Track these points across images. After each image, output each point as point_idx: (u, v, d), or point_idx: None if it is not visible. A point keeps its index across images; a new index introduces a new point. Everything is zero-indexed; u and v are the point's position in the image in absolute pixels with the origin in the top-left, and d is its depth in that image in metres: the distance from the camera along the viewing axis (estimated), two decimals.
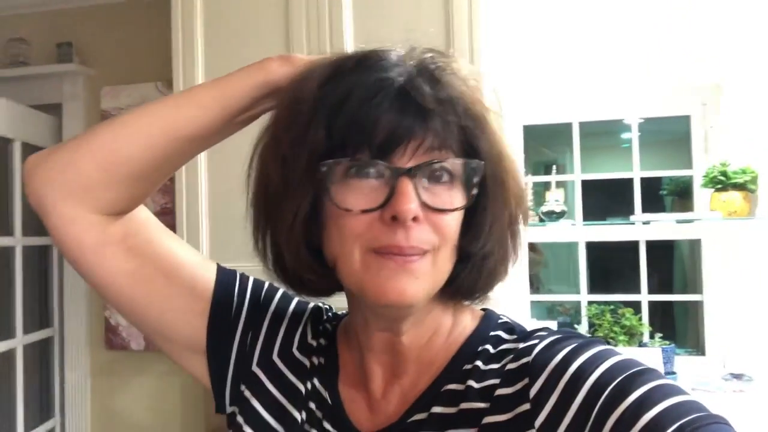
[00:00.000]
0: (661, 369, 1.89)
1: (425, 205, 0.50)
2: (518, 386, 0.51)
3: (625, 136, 2.44)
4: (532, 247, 2.47)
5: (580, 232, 2.25)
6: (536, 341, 0.53)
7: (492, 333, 0.58)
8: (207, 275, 0.64)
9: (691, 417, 0.41)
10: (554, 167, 2.33)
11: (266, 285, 0.68)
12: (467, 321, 0.60)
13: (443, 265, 0.53)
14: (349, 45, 1.59)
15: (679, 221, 2.09)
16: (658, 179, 2.53)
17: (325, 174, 0.51)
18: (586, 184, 2.31)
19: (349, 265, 0.52)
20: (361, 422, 0.58)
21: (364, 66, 0.53)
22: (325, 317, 0.68)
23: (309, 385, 0.61)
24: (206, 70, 1.75)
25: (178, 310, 0.62)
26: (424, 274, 0.51)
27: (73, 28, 2.25)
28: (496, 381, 0.53)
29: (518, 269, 2.07)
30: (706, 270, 2.15)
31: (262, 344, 0.64)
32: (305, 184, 0.52)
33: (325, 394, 0.60)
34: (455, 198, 0.52)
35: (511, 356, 0.53)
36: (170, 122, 0.59)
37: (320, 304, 0.70)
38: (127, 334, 2.17)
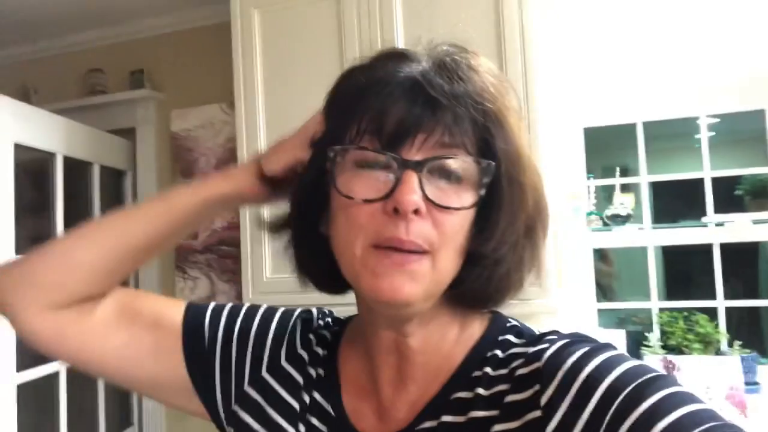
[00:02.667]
0: (742, 379, 1.78)
1: (429, 201, 0.49)
2: (529, 392, 0.49)
3: (698, 136, 2.33)
4: (603, 257, 2.39)
5: (648, 236, 2.16)
6: (546, 345, 0.51)
7: (501, 337, 0.56)
8: (176, 315, 0.65)
9: (706, 426, 0.39)
10: (617, 170, 2.25)
11: (245, 306, 0.69)
12: (475, 326, 0.58)
13: (444, 266, 0.51)
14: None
15: (755, 222, 1.97)
16: (735, 179, 2.40)
17: (332, 160, 0.51)
18: (657, 187, 2.22)
19: (349, 257, 0.51)
20: (366, 429, 0.56)
21: (383, 62, 0.53)
22: (316, 324, 0.67)
23: (308, 399, 0.60)
24: (265, 90, 1.82)
25: (155, 355, 0.64)
26: (422, 275, 0.49)
27: (145, 56, 2.40)
28: (506, 387, 0.51)
29: (583, 276, 2.01)
30: None
31: (251, 363, 0.64)
32: (314, 170, 0.54)
33: (328, 407, 0.59)
34: (462, 197, 0.50)
35: (521, 360, 0.52)
36: (122, 234, 0.64)
37: (312, 309, 0.69)
38: None
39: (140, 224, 0.64)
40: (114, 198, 2.40)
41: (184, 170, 2.30)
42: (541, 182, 0.56)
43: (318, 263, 0.57)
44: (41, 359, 1.95)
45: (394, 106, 0.49)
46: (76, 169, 2.16)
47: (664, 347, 2.01)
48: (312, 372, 0.62)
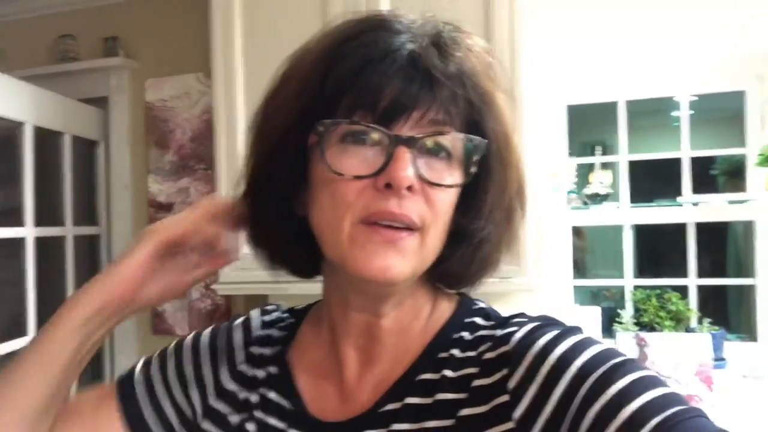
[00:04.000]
0: (711, 355, 1.83)
1: (421, 178, 0.48)
2: (497, 377, 0.49)
3: (675, 114, 2.35)
4: (577, 232, 2.42)
5: (625, 215, 2.19)
6: (514, 328, 0.51)
7: (468, 320, 0.56)
8: (110, 399, 0.64)
9: (673, 410, 0.40)
10: (598, 148, 2.27)
11: (171, 345, 0.67)
12: (444, 307, 0.58)
13: (432, 244, 0.51)
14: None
15: (730, 202, 2.00)
16: (711, 159, 2.44)
17: (321, 134, 0.49)
18: (635, 166, 2.24)
19: (335, 235, 0.49)
20: (330, 415, 0.55)
21: (373, 28, 0.51)
22: (260, 325, 0.65)
23: (257, 399, 0.58)
24: (245, 59, 1.77)
25: None
26: (411, 253, 0.49)
27: (119, 22, 2.31)
28: (474, 370, 0.51)
29: (561, 253, 2.03)
30: (759, 253, 2.06)
31: (199, 396, 0.62)
32: (292, 143, 0.51)
33: (284, 402, 0.57)
34: (453, 174, 0.50)
35: (489, 344, 0.51)
36: (14, 402, 0.55)
37: (251, 313, 0.67)
38: (173, 320, 2.23)
39: (22, 390, 0.55)
40: (86, 169, 2.33)
41: (159, 141, 2.25)
42: (524, 164, 0.56)
43: (299, 246, 0.55)
44: (10, 334, 1.91)
45: (390, 82, 0.48)
46: (46, 139, 2.09)
47: (636, 324, 2.05)
48: (262, 373, 0.60)
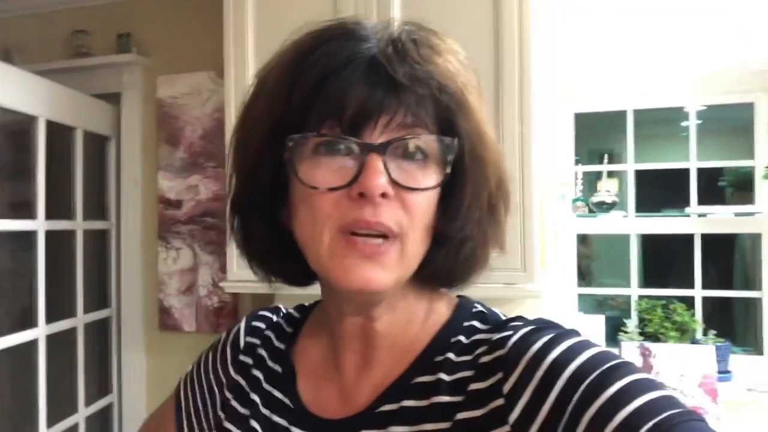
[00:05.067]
0: (715, 367, 1.82)
1: (395, 183, 0.48)
2: (492, 380, 0.49)
3: (685, 124, 2.35)
4: (583, 239, 2.41)
5: (632, 224, 2.19)
6: (510, 332, 0.50)
7: (466, 323, 0.56)
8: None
9: (668, 413, 0.40)
10: (606, 157, 2.27)
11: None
12: (442, 310, 0.58)
13: (413, 250, 0.51)
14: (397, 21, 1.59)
15: (737, 214, 2.00)
16: (719, 170, 2.43)
17: (292, 150, 0.49)
18: (642, 175, 2.24)
19: (316, 248, 0.50)
20: (329, 414, 0.56)
21: (334, 38, 0.51)
22: (274, 319, 0.68)
23: (260, 398, 0.61)
24: (257, 59, 1.78)
25: None
26: (392, 263, 0.49)
27: (132, 18, 2.33)
28: (469, 374, 0.51)
29: (565, 260, 2.03)
30: (766, 266, 2.05)
31: (218, 391, 0.66)
32: (268, 160, 0.51)
33: (286, 400, 0.59)
34: (428, 176, 0.50)
35: (485, 348, 0.51)
36: None
37: (262, 310, 0.70)
38: (180, 316, 2.25)
39: None
40: (97, 164, 2.36)
41: (169, 138, 2.26)
42: (502, 159, 0.56)
43: (288, 259, 0.56)
44: (20, 325, 1.93)
45: (353, 89, 0.47)
46: (58, 133, 2.11)
47: (641, 334, 2.05)
48: (267, 369, 0.63)
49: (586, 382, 0.43)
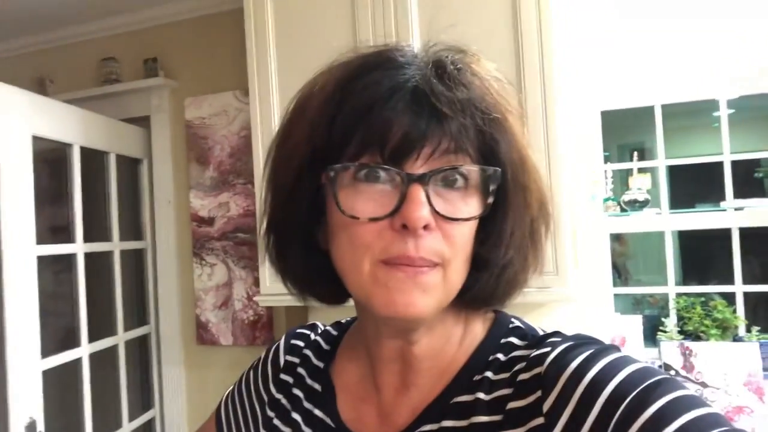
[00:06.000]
0: (760, 365, 1.77)
1: (437, 213, 0.47)
2: (531, 399, 0.48)
3: (716, 114, 2.28)
4: (617, 237, 2.37)
5: (666, 221, 2.14)
6: (548, 349, 0.50)
7: (503, 340, 0.55)
8: None
9: None
10: (635, 153, 2.23)
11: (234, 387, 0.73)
12: (478, 327, 0.57)
13: (454, 277, 0.50)
14: (416, 41, 1.60)
15: None
16: (755, 161, 2.36)
17: (332, 179, 0.49)
18: (674, 169, 2.19)
19: (356, 275, 0.50)
20: None
21: (376, 66, 0.50)
22: (312, 338, 0.69)
23: (301, 417, 0.61)
24: (279, 77, 1.81)
25: None
26: (434, 288, 0.49)
27: (158, 44, 2.39)
28: (507, 392, 0.50)
29: (600, 261, 2.00)
30: None
31: (259, 407, 0.67)
32: (307, 185, 0.51)
33: (327, 419, 0.59)
34: (470, 205, 0.49)
35: (523, 365, 0.51)
36: None
37: (299, 328, 0.71)
38: (216, 330, 2.29)
39: None
40: (131, 186, 2.42)
41: (199, 158, 2.31)
42: (543, 183, 0.55)
43: (323, 280, 0.56)
44: (64, 346, 1.99)
45: (397, 119, 0.47)
46: (92, 158, 2.18)
47: (680, 332, 2.00)
48: (306, 388, 0.63)
49: (627, 399, 0.42)
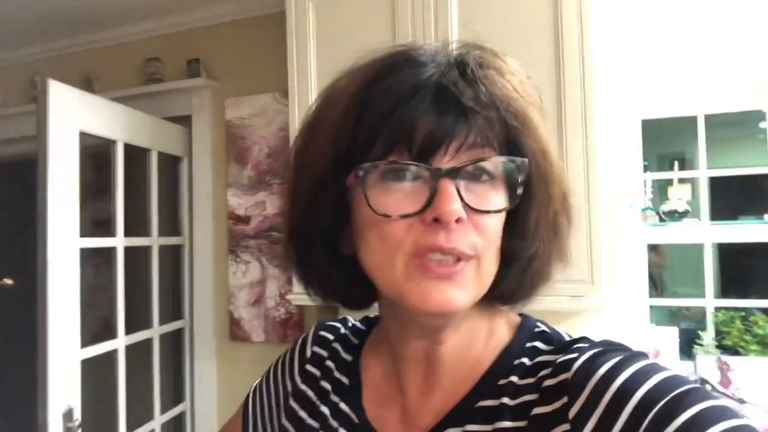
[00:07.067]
0: None
1: (468, 207, 0.48)
2: (557, 405, 0.47)
3: (762, 125, 2.23)
4: (654, 248, 2.33)
5: (706, 233, 2.09)
6: (575, 354, 0.49)
7: (529, 344, 0.55)
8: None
9: None
10: (676, 163, 2.19)
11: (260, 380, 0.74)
12: (503, 330, 0.57)
13: (488, 269, 0.51)
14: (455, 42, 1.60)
15: None
16: None
17: (362, 178, 0.49)
18: (716, 180, 2.13)
19: (390, 274, 0.50)
20: None
21: (397, 66, 0.51)
22: (343, 331, 0.69)
23: (329, 409, 0.62)
24: (318, 80, 1.84)
25: None
26: (469, 282, 0.49)
27: (201, 45, 2.45)
28: (533, 397, 0.49)
29: (636, 271, 1.97)
30: None
31: (283, 396, 0.68)
32: (333, 188, 0.51)
33: (351, 414, 0.59)
34: (498, 197, 0.50)
35: (549, 370, 0.50)
36: None
37: (329, 320, 0.71)
38: (249, 327, 2.32)
39: None
40: (171, 183, 2.48)
41: (238, 157, 2.36)
42: (565, 175, 0.56)
43: (349, 285, 0.56)
44: (102, 336, 2.05)
45: (423, 117, 0.48)
46: (135, 155, 2.24)
47: (718, 347, 1.95)
48: (334, 380, 0.64)
49: (656, 408, 0.41)
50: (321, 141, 0.53)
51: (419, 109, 0.48)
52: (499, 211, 0.50)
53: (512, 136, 0.50)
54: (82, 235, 1.90)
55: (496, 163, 0.50)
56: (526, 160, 0.50)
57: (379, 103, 0.49)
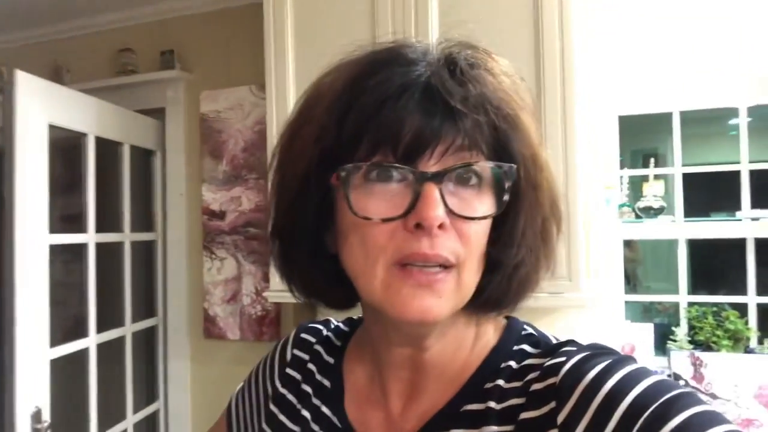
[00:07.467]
0: None
1: (452, 212, 0.46)
2: (545, 409, 0.46)
3: (734, 122, 2.26)
4: (628, 243, 2.35)
5: (680, 229, 2.12)
6: (563, 358, 0.48)
7: (516, 347, 0.54)
8: None
9: None
10: (652, 160, 2.21)
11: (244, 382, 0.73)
12: (490, 333, 0.56)
13: (469, 280, 0.49)
14: (435, 38, 1.59)
15: None
16: None
17: (344, 179, 0.47)
18: (689, 177, 2.16)
19: (369, 279, 0.48)
20: None
21: (386, 63, 0.49)
22: (324, 334, 0.68)
23: (310, 413, 0.60)
24: (296, 73, 1.81)
25: None
26: (448, 292, 0.47)
27: (175, 36, 2.40)
28: (519, 401, 0.48)
29: (612, 268, 1.98)
30: None
31: (263, 400, 0.67)
32: (315, 187, 0.50)
33: (334, 418, 0.58)
34: (484, 203, 0.48)
35: (536, 374, 0.49)
36: None
37: (311, 323, 0.70)
38: (224, 324, 2.29)
39: None
40: (143, 177, 2.42)
41: (213, 151, 2.31)
42: (555, 181, 0.54)
43: (331, 285, 0.55)
44: (72, 335, 2.00)
45: (409, 117, 0.46)
46: (106, 148, 2.18)
47: (691, 342, 1.98)
48: (315, 384, 0.62)
49: (646, 413, 0.41)
50: (305, 138, 0.51)
51: (406, 109, 0.46)
52: (483, 218, 0.48)
53: (502, 140, 0.49)
54: (51, 231, 1.85)
55: (483, 167, 0.48)
56: (515, 165, 0.48)
57: (364, 101, 0.47)
